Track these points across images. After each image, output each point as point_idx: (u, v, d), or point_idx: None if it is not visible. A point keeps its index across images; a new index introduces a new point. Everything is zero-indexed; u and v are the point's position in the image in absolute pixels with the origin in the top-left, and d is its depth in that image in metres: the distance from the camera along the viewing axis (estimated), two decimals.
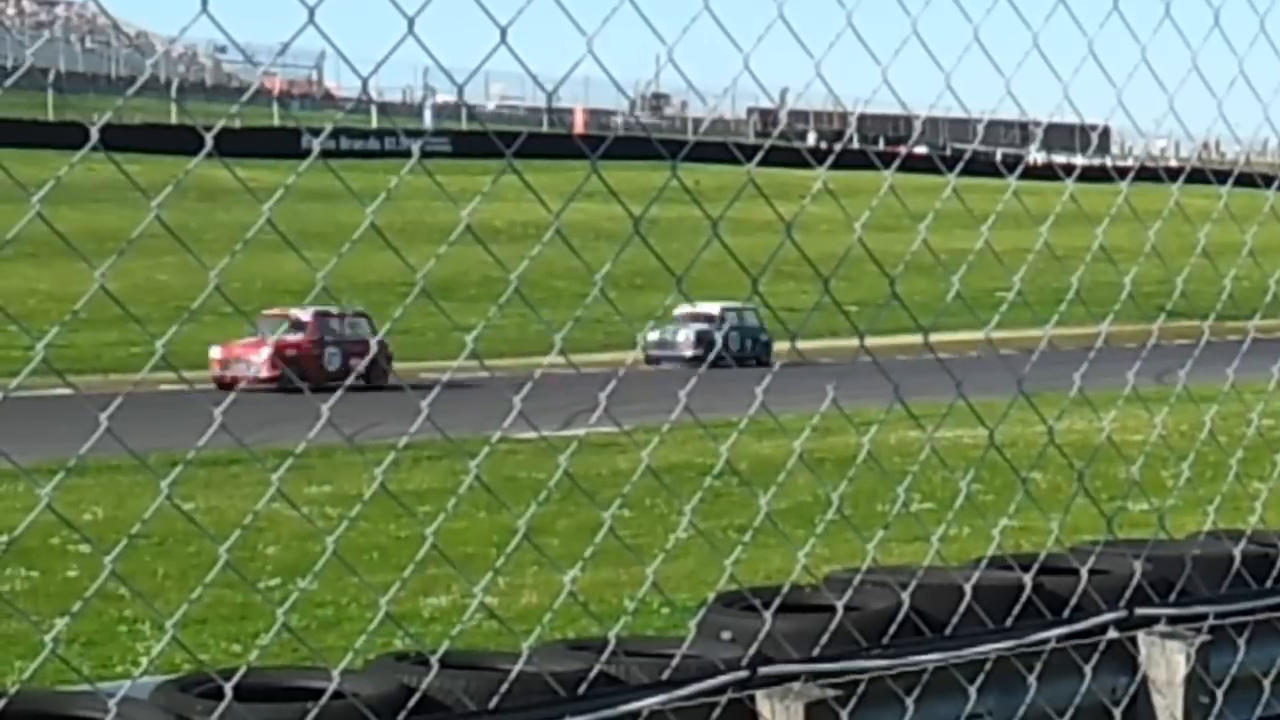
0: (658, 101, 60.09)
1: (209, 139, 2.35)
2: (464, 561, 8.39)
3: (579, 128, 50.60)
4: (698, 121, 51.42)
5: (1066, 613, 3.47)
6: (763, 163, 3.03)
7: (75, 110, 40.70)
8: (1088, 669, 3.25)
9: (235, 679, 2.63)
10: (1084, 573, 3.49)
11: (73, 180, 2.34)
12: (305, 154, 2.52)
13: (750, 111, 59.09)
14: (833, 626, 3.16)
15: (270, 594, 8.18)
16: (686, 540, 7.02)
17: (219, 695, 2.71)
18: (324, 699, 2.71)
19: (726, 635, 3.40)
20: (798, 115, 55.59)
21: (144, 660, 6.88)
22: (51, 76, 45.15)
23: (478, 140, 39.43)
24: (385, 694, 2.97)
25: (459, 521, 9.89)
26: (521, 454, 12.99)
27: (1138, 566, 3.60)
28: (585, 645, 3.43)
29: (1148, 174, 3.98)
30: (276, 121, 44.60)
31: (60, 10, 62.39)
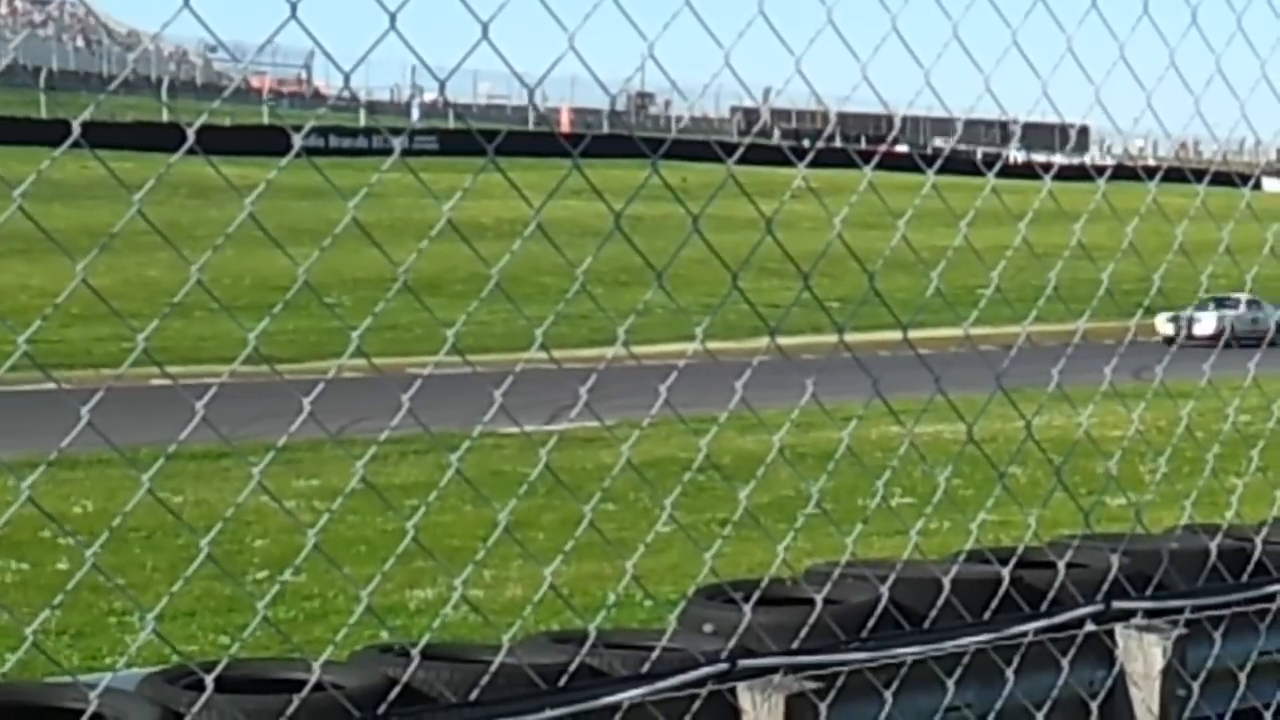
0: (642, 100, 59.99)
1: (190, 134, 2.33)
2: (451, 555, 8.35)
3: (565, 126, 50.57)
4: (680, 120, 51.27)
5: (1044, 606, 3.45)
6: (748, 161, 3.00)
7: (67, 109, 40.61)
8: (1065, 662, 3.23)
9: (217, 670, 2.61)
10: (1061, 566, 3.47)
11: (67, 178, 2.33)
12: (297, 152, 2.50)
13: (734, 110, 59.02)
14: (812, 620, 3.14)
15: (257, 587, 8.15)
16: (669, 534, 7.00)
17: (205, 686, 2.68)
18: (306, 690, 2.68)
19: (708, 628, 3.38)
20: (781, 114, 55.58)
21: (133, 652, 6.84)
22: (44, 75, 45.01)
23: (465, 138, 39.27)
24: (369, 686, 2.95)
25: (445, 515, 9.85)
26: (508, 448, 12.95)
27: (1115, 560, 3.58)
28: (568, 637, 3.40)
29: (1126, 173, 3.97)
30: (266, 119, 44.45)
31: (53, 10, 62.11)
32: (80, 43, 59.59)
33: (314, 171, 2.78)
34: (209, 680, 2.56)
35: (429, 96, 53.11)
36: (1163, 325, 30.71)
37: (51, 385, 2.84)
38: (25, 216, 2.22)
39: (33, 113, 42.05)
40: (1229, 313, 31.24)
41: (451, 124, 45.59)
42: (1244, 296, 30.88)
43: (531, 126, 43.41)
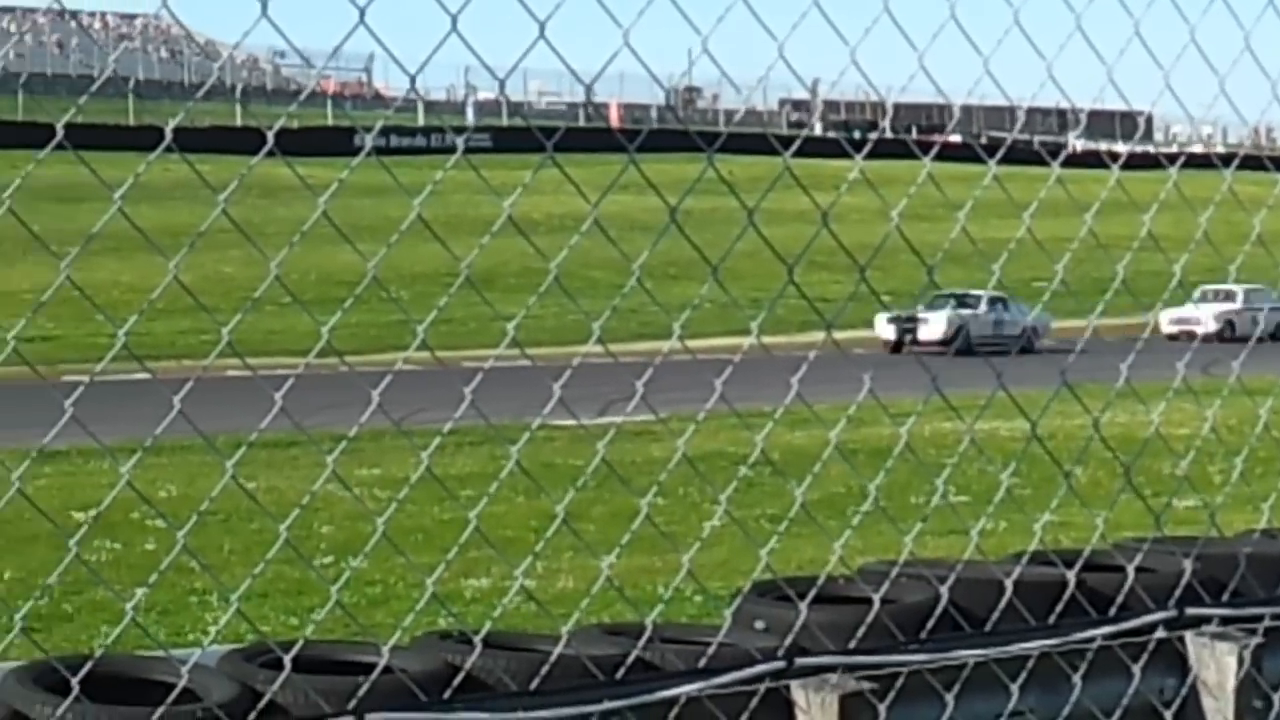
0: (690, 95, 59.79)
1: (270, 136, 2.38)
2: (503, 545, 8.33)
3: (614, 122, 50.60)
4: (729, 113, 51.20)
5: (1113, 611, 3.30)
6: (796, 153, 2.94)
7: (152, 115, 41.77)
8: (1136, 669, 3.09)
9: (294, 651, 2.64)
10: (1130, 570, 3.32)
11: (150, 180, 2.42)
12: (357, 151, 2.56)
13: (782, 103, 58.64)
14: (870, 619, 3.05)
15: (324, 571, 8.20)
16: (719, 529, 6.92)
17: (279, 665, 2.71)
18: (375, 673, 2.68)
19: (760, 625, 3.31)
20: (829, 105, 55.18)
21: (212, 629, 6.94)
22: (131, 84, 46.05)
23: (517, 135, 39.50)
24: (430, 671, 2.93)
25: (498, 506, 9.85)
26: (558, 440, 12.93)
27: (1188, 565, 3.42)
28: (620, 630, 3.35)
29: (1196, 161, 3.80)
30: (330, 121, 44.93)
31: (139, 23, 63.71)
32: (164, 53, 61.12)
33: (374, 170, 2.78)
34: (287, 660, 2.58)
35: (483, 96, 53.49)
36: (882, 328, 25.26)
37: (132, 376, 2.87)
38: (125, 218, 2.28)
39: (120, 119, 42.93)
40: (966, 312, 26.04)
41: (505, 122, 45.79)
42: (986, 294, 25.51)
43: (583, 123, 43.48)
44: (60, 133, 2.24)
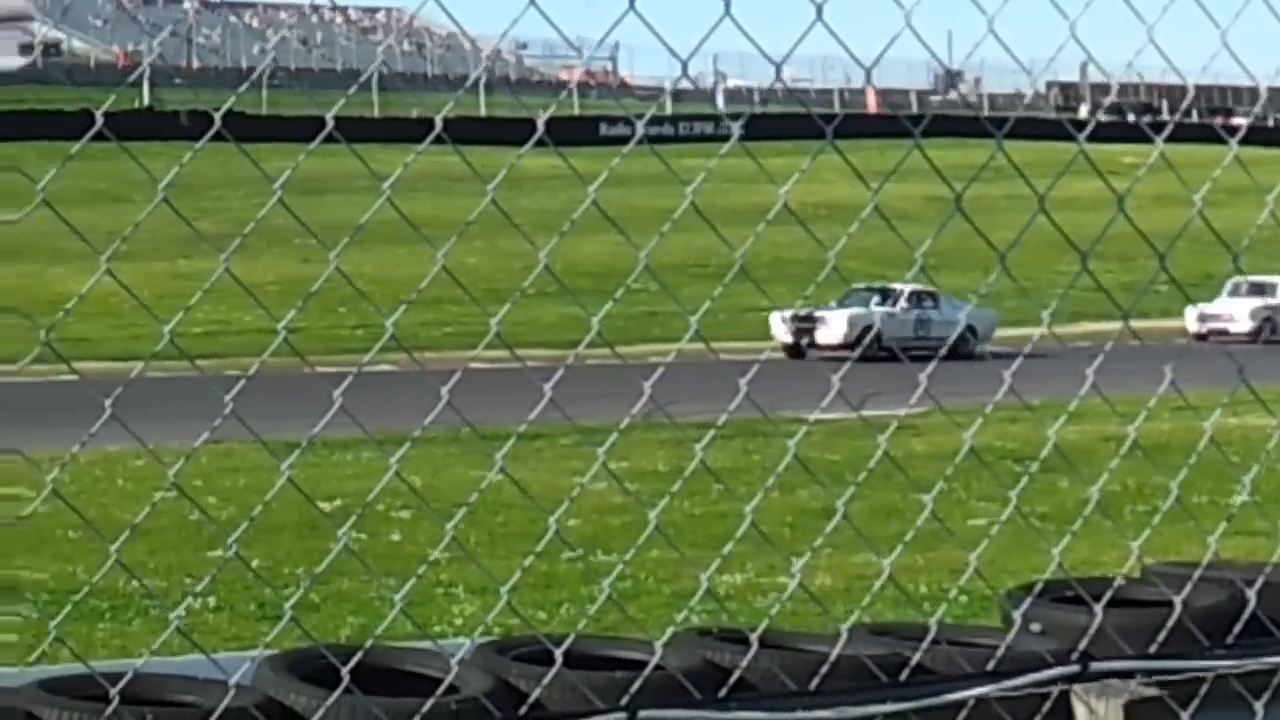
0: (951, 79, 58.41)
1: (540, 125, 2.49)
2: (759, 540, 8.40)
3: (871, 107, 49.95)
4: (992, 98, 49.70)
5: None
6: (1056, 138, 2.90)
7: (395, 107, 44.00)
8: None
9: (565, 645, 2.68)
10: None
11: (393, 171, 2.56)
12: (602, 141, 2.65)
13: (1050, 85, 56.56)
14: (1172, 623, 2.96)
15: (572, 565, 8.47)
16: (985, 526, 6.78)
17: (534, 659, 2.80)
18: (647, 670, 2.72)
19: (1036, 627, 3.26)
20: (1099, 88, 52.82)
21: (459, 620, 7.30)
22: (376, 78, 48.64)
23: (768, 123, 39.54)
24: (690, 668, 2.99)
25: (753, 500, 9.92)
26: (815, 434, 12.92)
27: None
28: (886, 630, 3.36)
29: None
30: (577, 111, 46.20)
31: (380, 16, 67.17)
32: (406, 46, 64.28)
33: (615, 159, 2.86)
34: (558, 654, 2.64)
35: (732, 83, 53.87)
36: (778, 328, 21.72)
37: (375, 368, 3.02)
38: (393, 208, 2.43)
39: (365, 112, 45.39)
40: (880, 310, 22.36)
41: (757, 108, 45.87)
42: (909, 287, 21.88)
43: (838, 109, 43.08)
44: (330, 123, 2.39)
